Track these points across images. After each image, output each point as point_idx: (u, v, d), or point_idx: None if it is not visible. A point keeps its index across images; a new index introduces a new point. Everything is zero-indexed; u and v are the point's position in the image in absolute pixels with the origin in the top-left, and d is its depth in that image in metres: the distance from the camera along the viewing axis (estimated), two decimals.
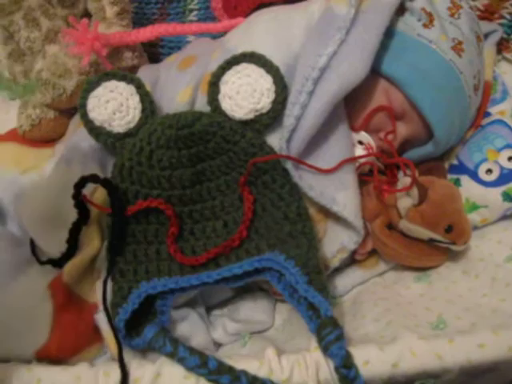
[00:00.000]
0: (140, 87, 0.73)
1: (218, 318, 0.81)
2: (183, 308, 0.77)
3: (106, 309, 0.67)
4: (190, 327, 0.76)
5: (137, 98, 0.73)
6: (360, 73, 0.71)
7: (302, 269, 0.66)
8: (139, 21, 0.96)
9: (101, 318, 0.70)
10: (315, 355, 0.61)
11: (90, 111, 0.72)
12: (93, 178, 0.67)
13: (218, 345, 0.79)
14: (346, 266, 0.84)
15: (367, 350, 0.61)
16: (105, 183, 0.68)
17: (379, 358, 0.60)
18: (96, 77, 0.74)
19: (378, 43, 0.73)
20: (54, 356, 0.67)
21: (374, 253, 0.83)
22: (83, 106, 0.73)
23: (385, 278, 0.84)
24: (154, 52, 0.98)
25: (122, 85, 0.73)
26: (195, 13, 0.98)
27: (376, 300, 0.78)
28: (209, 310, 0.82)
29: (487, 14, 0.94)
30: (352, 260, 0.83)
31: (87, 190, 0.68)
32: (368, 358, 0.60)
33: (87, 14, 0.86)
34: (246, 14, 0.89)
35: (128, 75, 0.74)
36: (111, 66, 0.83)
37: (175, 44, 0.98)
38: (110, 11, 0.85)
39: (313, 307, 0.65)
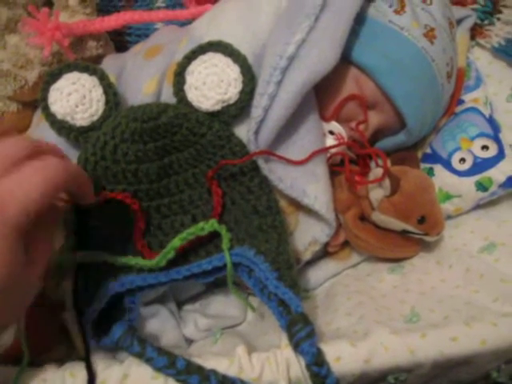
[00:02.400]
0: (103, 78, 0.71)
1: (190, 314, 0.80)
2: (153, 304, 0.76)
3: (75, 308, 0.66)
4: (161, 324, 0.75)
5: (100, 90, 0.70)
6: (330, 61, 0.69)
7: (272, 264, 0.65)
8: (105, 8, 0.93)
9: (68, 317, 0.69)
10: (286, 352, 0.60)
11: (52, 104, 0.70)
12: None
13: (189, 341, 0.78)
14: (319, 259, 0.83)
15: (339, 347, 0.60)
16: None
17: (351, 354, 0.59)
18: (57, 68, 0.71)
19: (347, 30, 0.71)
20: (19, 358, 0.65)
21: (346, 244, 0.83)
22: (44, 99, 0.70)
23: (358, 270, 0.83)
24: (121, 40, 0.95)
25: (84, 76, 0.70)
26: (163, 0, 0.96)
27: (349, 293, 0.77)
28: (180, 305, 0.81)
29: None
30: (324, 252, 0.82)
31: None
32: (340, 355, 0.59)
33: (49, 3, 0.83)
34: (215, 1, 0.87)
35: (90, 66, 0.71)
36: (75, 56, 0.80)
37: (142, 32, 0.95)
38: None
39: (284, 303, 0.64)
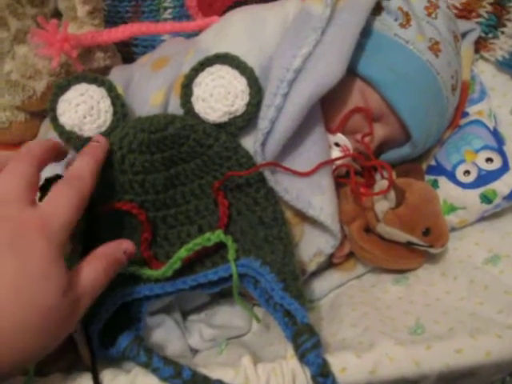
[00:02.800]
0: (111, 90, 0.71)
1: (195, 324, 0.80)
2: (159, 314, 0.76)
3: (81, 318, 0.66)
4: (166, 334, 0.75)
5: (108, 101, 0.71)
6: (336, 74, 0.69)
7: (278, 275, 0.65)
8: (112, 19, 0.94)
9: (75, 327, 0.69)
10: (291, 363, 0.60)
11: (61, 115, 0.70)
12: (57, 179, 0.64)
13: (194, 351, 0.78)
14: (324, 269, 0.83)
15: (344, 357, 0.60)
16: None
17: (356, 365, 0.59)
18: (66, 80, 0.71)
19: (354, 43, 0.71)
20: (27, 367, 0.65)
21: (351, 255, 0.83)
22: (53, 110, 0.71)
23: (363, 281, 0.83)
24: (128, 51, 0.96)
25: (92, 87, 0.71)
26: (170, 11, 0.96)
27: (354, 304, 0.77)
28: (185, 315, 0.81)
29: (465, 13, 0.93)
30: (329, 263, 0.83)
31: None
32: (345, 366, 0.59)
33: (58, 14, 0.84)
34: (221, 12, 0.88)
35: (99, 77, 0.72)
36: (82, 66, 0.80)
37: (149, 43, 0.96)
38: (81, 10, 0.82)
39: (289, 314, 0.64)
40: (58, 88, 0.71)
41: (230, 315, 0.80)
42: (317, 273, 0.81)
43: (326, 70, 0.69)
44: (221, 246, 0.69)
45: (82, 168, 0.61)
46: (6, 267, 0.50)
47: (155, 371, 0.60)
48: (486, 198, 0.80)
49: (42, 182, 0.63)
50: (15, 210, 0.53)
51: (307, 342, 0.59)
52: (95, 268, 0.58)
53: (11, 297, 0.49)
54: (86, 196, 0.59)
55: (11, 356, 0.50)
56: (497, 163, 0.81)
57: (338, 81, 0.70)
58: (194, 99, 0.71)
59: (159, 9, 0.97)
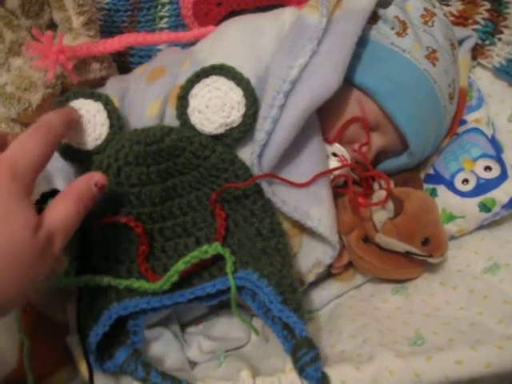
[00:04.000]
0: (108, 103, 0.72)
1: (193, 336, 0.79)
2: (157, 327, 0.76)
3: (78, 332, 0.65)
4: (164, 347, 0.75)
5: (104, 115, 0.71)
6: (332, 84, 0.69)
7: (276, 288, 0.64)
8: (108, 29, 0.94)
9: (72, 341, 0.68)
10: (290, 377, 0.60)
11: None
12: (54, 194, 0.64)
13: (193, 364, 0.78)
14: (323, 280, 0.83)
15: (343, 370, 0.60)
16: None
17: (356, 378, 0.59)
18: (64, 96, 0.73)
19: (350, 53, 0.71)
20: (23, 382, 0.65)
21: (350, 266, 0.82)
22: None
23: (362, 291, 0.83)
24: (124, 61, 0.96)
25: (89, 102, 0.72)
26: (165, 20, 0.96)
27: (353, 315, 0.76)
28: (183, 327, 0.80)
29: (461, 20, 0.93)
30: (328, 273, 0.82)
31: None
32: (344, 379, 0.59)
33: (53, 25, 0.84)
34: (217, 22, 0.88)
35: (95, 93, 0.73)
36: (78, 78, 0.80)
37: (145, 53, 0.96)
38: (77, 21, 0.82)
39: (288, 327, 0.64)
40: (57, 104, 0.72)
41: (228, 327, 0.80)
42: (316, 283, 0.81)
43: (322, 81, 0.69)
44: (218, 258, 0.69)
45: (52, 117, 0.63)
46: None
47: None
48: (484, 207, 0.80)
49: (37, 197, 0.63)
50: None
51: (306, 356, 0.59)
52: (65, 204, 0.58)
53: None
54: (53, 141, 0.60)
55: None
56: (495, 171, 0.81)
57: (335, 91, 0.70)
58: (189, 111, 0.71)
59: (155, 18, 0.96)
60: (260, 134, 0.68)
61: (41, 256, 0.53)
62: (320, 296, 0.82)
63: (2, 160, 0.54)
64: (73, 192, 0.59)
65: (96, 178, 0.62)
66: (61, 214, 0.56)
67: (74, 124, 0.68)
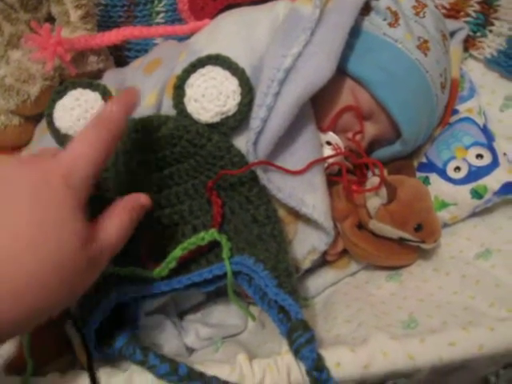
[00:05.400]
0: (105, 93, 0.73)
1: (191, 323, 0.80)
2: (155, 314, 0.76)
3: (75, 318, 0.66)
4: (162, 334, 0.75)
5: (102, 104, 0.72)
6: (325, 73, 0.70)
7: (272, 272, 0.65)
8: (105, 24, 0.95)
9: (71, 328, 0.69)
10: (286, 359, 0.60)
11: (57, 120, 0.73)
12: None
13: (190, 350, 0.79)
14: (318, 267, 0.83)
15: (338, 352, 0.60)
16: None
17: (351, 359, 0.59)
18: (63, 86, 0.74)
19: (343, 43, 0.72)
20: (23, 369, 0.66)
21: (345, 253, 0.83)
22: (50, 114, 0.73)
23: (357, 278, 0.84)
24: (121, 55, 0.97)
25: (87, 92, 0.73)
26: (162, 15, 0.97)
27: (348, 301, 0.77)
28: (181, 314, 0.81)
29: (453, 13, 0.94)
30: (323, 261, 0.83)
31: None
32: (339, 360, 0.59)
33: (51, 18, 0.85)
34: (213, 16, 0.89)
35: (94, 82, 0.74)
36: (76, 70, 0.81)
37: (142, 47, 0.97)
38: (74, 15, 0.83)
39: (283, 310, 0.64)
40: (55, 94, 0.74)
41: (226, 314, 0.80)
42: (311, 271, 0.82)
43: (315, 70, 0.70)
44: (215, 245, 0.70)
45: (110, 114, 0.56)
46: (22, 213, 0.48)
47: (151, 369, 0.60)
48: (476, 194, 0.81)
49: None
50: (42, 160, 0.52)
51: (301, 338, 0.60)
52: (119, 219, 0.57)
53: (25, 244, 0.47)
54: (112, 146, 0.55)
55: (18, 309, 0.47)
56: (487, 159, 0.82)
57: (328, 80, 0.71)
58: (186, 100, 0.71)
59: (152, 13, 0.97)
60: (255, 122, 0.69)
61: (89, 268, 0.52)
62: (315, 283, 0.83)
63: (58, 167, 0.51)
64: (125, 208, 0.58)
65: (142, 199, 0.62)
66: (113, 230, 0.55)
67: (135, 107, 0.60)
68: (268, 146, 0.69)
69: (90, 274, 0.53)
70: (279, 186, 0.71)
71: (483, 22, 0.93)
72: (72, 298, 0.53)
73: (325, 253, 0.78)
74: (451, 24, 0.91)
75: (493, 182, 0.80)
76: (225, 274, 0.68)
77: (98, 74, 0.85)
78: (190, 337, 0.79)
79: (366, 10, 0.81)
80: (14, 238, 0.47)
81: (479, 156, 0.83)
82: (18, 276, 0.46)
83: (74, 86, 0.73)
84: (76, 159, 0.52)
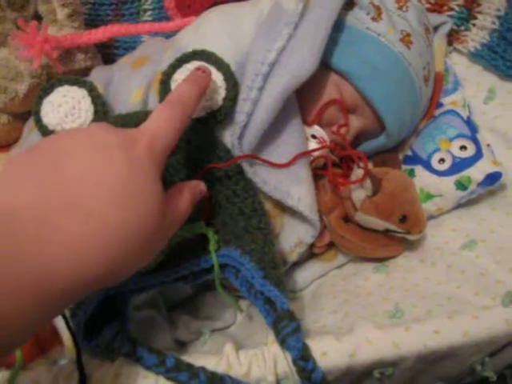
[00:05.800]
0: (92, 90, 0.73)
1: (180, 317, 0.81)
2: (143, 308, 0.77)
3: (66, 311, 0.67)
4: (151, 327, 0.76)
5: (88, 101, 0.72)
6: (309, 67, 0.71)
7: (258, 263, 0.66)
8: (93, 22, 0.95)
9: (59, 320, 0.70)
10: (273, 349, 0.61)
11: (44, 117, 0.73)
12: None
13: (179, 343, 0.79)
14: (305, 260, 0.84)
15: (324, 342, 0.61)
16: None
17: (336, 348, 0.60)
18: (49, 83, 0.74)
19: (326, 37, 0.73)
20: (12, 363, 0.66)
21: (332, 246, 0.84)
22: (37, 112, 0.73)
23: (344, 271, 0.85)
24: (109, 53, 0.97)
25: (73, 89, 0.73)
26: (149, 13, 0.98)
27: (335, 292, 0.78)
28: (170, 308, 0.82)
29: (437, 7, 0.95)
30: (311, 254, 0.84)
31: None
32: (325, 350, 0.60)
33: (38, 17, 0.85)
34: (200, 13, 0.89)
35: (80, 79, 0.74)
36: (63, 68, 0.82)
37: (130, 44, 0.97)
38: (61, 13, 0.84)
39: (270, 301, 0.65)
40: (42, 91, 0.74)
41: (215, 307, 0.81)
42: (299, 264, 0.83)
43: (299, 63, 0.71)
44: (203, 239, 0.70)
45: (185, 93, 0.60)
46: (117, 165, 0.49)
47: (139, 360, 0.61)
48: (461, 185, 0.81)
49: None
50: (126, 130, 0.53)
51: (287, 327, 0.60)
52: (186, 197, 0.59)
53: (117, 196, 0.48)
54: (186, 122, 0.58)
55: (105, 263, 0.47)
56: (470, 151, 0.83)
57: (312, 74, 0.71)
58: None
59: (139, 11, 0.98)
60: (240, 116, 0.70)
61: (163, 239, 0.55)
62: (303, 276, 0.84)
63: (144, 133, 0.53)
64: (190, 189, 0.61)
65: (201, 185, 0.64)
66: (182, 205, 0.58)
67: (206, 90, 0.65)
68: (253, 140, 0.70)
69: (160, 242, 0.55)
70: (265, 179, 0.71)
71: (467, 16, 0.94)
72: (143, 261, 0.54)
73: (312, 245, 0.79)
74: (435, 18, 0.92)
75: (476, 173, 0.81)
76: (212, 267, 0.69)
77: (86, 72, 0.85)
78: (180, 330, 0.79)
79: (350, 4, 0.82)
80: (109, 191, 0.48)
81: (463, 147, 0.84)
82: (109, 226, 0.47)
83: (61, 83, 0.74)
84: (158, 130, 0.54)
